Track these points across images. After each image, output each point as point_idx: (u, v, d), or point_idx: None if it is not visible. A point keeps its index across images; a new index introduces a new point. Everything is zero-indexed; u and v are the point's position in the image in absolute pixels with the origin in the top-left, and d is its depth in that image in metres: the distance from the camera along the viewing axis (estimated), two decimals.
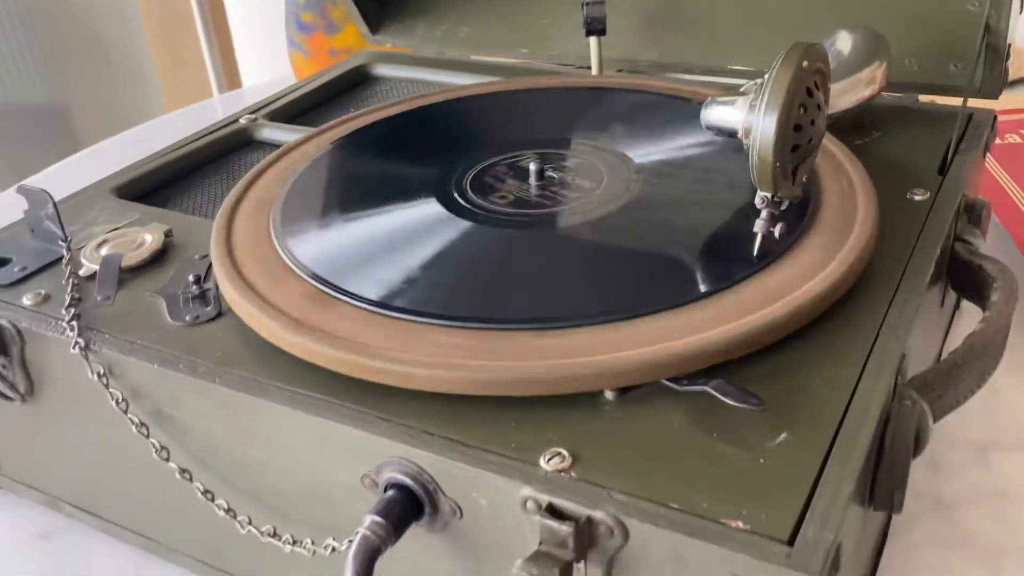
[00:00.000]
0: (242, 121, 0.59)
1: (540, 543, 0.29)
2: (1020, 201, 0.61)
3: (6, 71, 2.06)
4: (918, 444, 0.34)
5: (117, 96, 2.10)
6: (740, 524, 0.27)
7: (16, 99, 2.09)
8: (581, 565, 0.29)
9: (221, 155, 0.56)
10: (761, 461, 0.30)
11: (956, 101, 0.51)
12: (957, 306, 0.56)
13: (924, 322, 0.40)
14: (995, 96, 0.52)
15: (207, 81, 1.91)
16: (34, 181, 0.85)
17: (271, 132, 0.58)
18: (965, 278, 0.44)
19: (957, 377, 0.36)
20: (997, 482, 0.45)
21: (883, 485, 0.33)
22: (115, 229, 0.46)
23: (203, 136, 0.57)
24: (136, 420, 0.38)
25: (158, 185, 0.52)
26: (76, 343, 0.38)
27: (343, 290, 0.37)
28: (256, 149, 0.57)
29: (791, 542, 0.27)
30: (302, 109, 0.62)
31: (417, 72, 0.66)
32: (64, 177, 0.85)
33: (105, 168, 0.54)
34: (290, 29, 0.85)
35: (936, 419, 0.35)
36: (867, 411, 0.31)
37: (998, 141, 0.70)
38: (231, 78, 1.85)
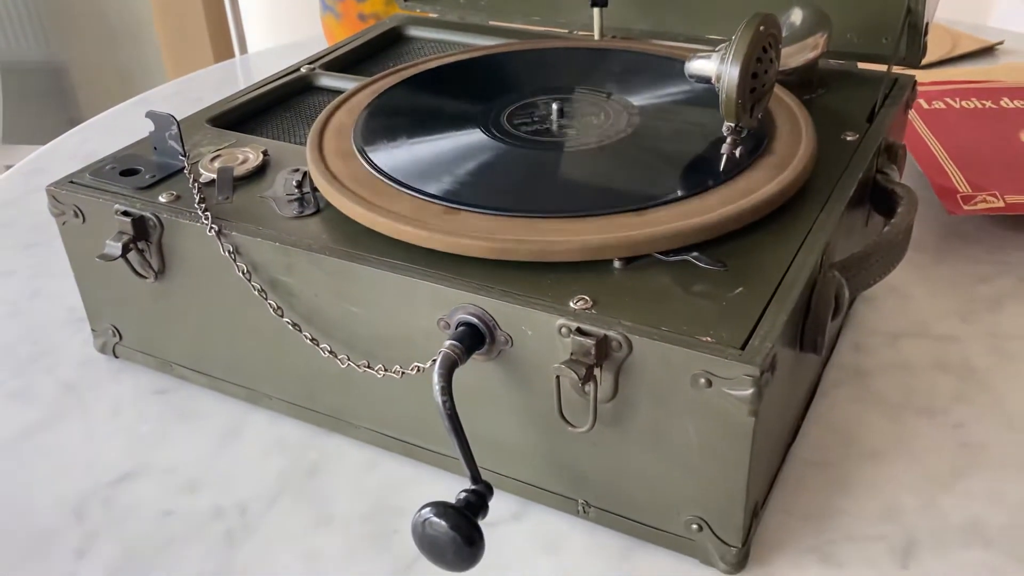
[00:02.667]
0: (303, 70, 0.70)
1: (571, 354, 0.42)
2: (938, 154, 0.75)
3: (1, 29, 2.13)
4: (837, 308, 0.47)
5: (116, 57, 2.18)
6: (708, 339, 0.40)
7: (14, 57, 2.16)
8: (598, 371, 0.42)
9: (287, 97, 0.68)
10: (723, 304, 0.43)
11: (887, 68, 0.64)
12: None
13: (848, 228, 0.54)
14: (916, 64, 0.65)
15: (207, 45, 2.00)
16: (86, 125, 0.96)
17: (328, 80, 0.70)
18: (882, 200, 0.57)
19: (867, 263, 0.49)
20: (903, 360, 0.59)
21: (809, 332, 0.46)
22: (220, 149, 0.58)
23: (270, 82, 0.69)
24: (258, 287, 0.50)
25: (242, 119, 0.64)
26: (211, 227, 0.50)
27: (418, 190, 0.49)
28: (316, 94, 0.69)
29: (743, 348, 0.40)
30: (350, 62, 0.74)
31: (443, 34, 0.79)
32: (102, 127, 0.96)
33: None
34: None
35: (852, 293, 0.49)
36: (799, 275, 0.44)
37: (926, 106, 0.83)
38: (229, 44, 1.94)
